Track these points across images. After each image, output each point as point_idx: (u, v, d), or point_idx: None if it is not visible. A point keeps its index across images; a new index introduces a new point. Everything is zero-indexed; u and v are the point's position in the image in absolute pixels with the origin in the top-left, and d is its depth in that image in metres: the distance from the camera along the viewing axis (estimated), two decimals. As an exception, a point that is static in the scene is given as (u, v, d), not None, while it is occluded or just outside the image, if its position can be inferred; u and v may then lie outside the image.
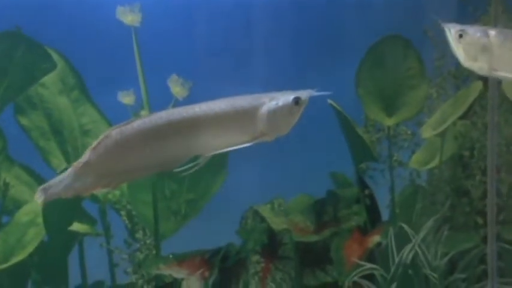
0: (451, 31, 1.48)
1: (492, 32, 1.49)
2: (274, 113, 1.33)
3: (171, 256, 2.32)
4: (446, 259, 2.50)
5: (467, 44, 1.48)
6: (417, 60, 2.62)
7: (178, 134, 1.31)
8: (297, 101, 1.34)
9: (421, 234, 2.50)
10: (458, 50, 1.48)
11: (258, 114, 1.33)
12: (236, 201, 2.55)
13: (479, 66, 1.50)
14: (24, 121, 2.37)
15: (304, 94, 1.35)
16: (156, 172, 1.48)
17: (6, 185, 2.22)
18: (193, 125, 1.31)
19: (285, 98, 1.34)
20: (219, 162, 2.43)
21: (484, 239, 2.56)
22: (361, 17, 2.84)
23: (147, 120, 1.31)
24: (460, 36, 1.47)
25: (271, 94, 1.36)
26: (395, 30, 2.62)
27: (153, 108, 2.32)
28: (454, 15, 2.90)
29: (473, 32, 1.48)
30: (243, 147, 1.33)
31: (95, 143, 1.29)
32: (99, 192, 2.32)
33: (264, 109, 1.33)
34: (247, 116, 1.33)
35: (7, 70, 2.17)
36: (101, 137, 1.29)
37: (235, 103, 1.34)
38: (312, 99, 2.06)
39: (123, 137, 1.30)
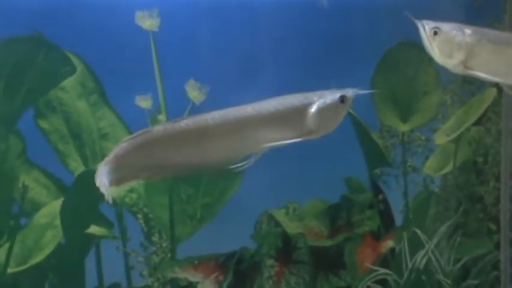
0: (426, 28, 1.47)
1: (468, 30, 1.47)
2: (322, 111, 1.36)
3: (196, 262, 2.33)
4: (459, 265, 2.50)
5: (442, 41, 1.46)
6: (431, 66, 2.63)
7: (232, 133, 1.34)
8: (342, 99, 1.38)
9: (435, 240, 2.51)
10: (433, 47, 1.46)
11: (308, 112, 1.36)
12: (251, 206, 2.56)
13: (453, 63, 1.47)
14: (43, 124, 2.39)
15: (349, 92, 1.39)
16: (207, 171, 1.52)
17: (25, 187, 2.23)
18: (246, 124, 1.35)
19: (332, 96, 1.38)
20: (235, 166, 2.45)
21: (497, 245, 2.56)
22: (375, 23, 2.85)
23: (196, 119, 1.34)
24: (435, 33, 1.46)
25: (320, 92, 1.40)
26: (409, 35, 2.63)
27: (170, 112, 2.34)
28: (466, 22, 2.91)
29: (449, 29, 1.47)
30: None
31: (133, 135, 1.31)
32: (127, 186, 2.34)
33: (314, 107, 1.37)
34: (297, 113, 1.36)
35: (28, 74, 2.19)
36: (142, 131, 1.31)
37: (286, 101, 1.38)
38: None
39: (165, 135, 1.32)
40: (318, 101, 1.37)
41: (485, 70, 1.48)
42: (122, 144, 1.31)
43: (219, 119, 1.34)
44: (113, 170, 1.30)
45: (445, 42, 1.46)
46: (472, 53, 1.46)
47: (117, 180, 1.33)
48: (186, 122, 1.32)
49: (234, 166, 1.34)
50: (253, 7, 2.70)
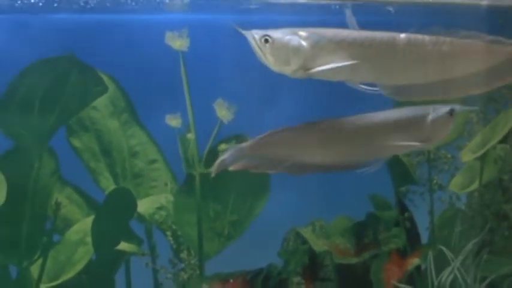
0: (255, 37, 1.44)
1: (303, 33, 1.45)
2: (437, 121, 1.55)
3: (231, 281, 2.35)
4: (485, 283, 2.49)
5: (276, 49, 1.42)
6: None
7: (365, 138, 1.51)
8: (451, 112, 1.56)
9: (460, 258, 2.50)
10: (266, 55, 1.43)
11: (426, 122, 1.54)
12: (278, 223, 2.57)
13: (292, 69, 1.45)
14: (76, 143, 2.43)
15: (456, 107, 1.57)
16: (334, 171, 1.61)
17: (58, 204, 2.27)
18: (378, 130, 1.53)
19: (444, 108, 1.57)
20: (262, 184, 2.47)
21: (524, 264, 2.56)
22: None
23: (334, 123, 1.50)
24: (266, 41, 1.43)
25: (432, 106, 1.58)
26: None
27: (199, 131, 2.37)
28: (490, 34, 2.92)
29: (281, 35, 1.43)
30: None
31: (275, 130, 1.47)
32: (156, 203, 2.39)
33: (431, 117, 1.55)
34: (417, 123, 1.55)
35: (61, 94, 2.23)
36: (283, 127, 1.46)
37: (406, 112, 1.57)
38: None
39: (305, 134, 1.51)
40: (433, 112, 1.55)
41: (328, 70, 1.46)
42: (263, 136, 1.44)
43: (351, 124, 1.49)
44: (242, 156, 1.47)
45: (280, 49, 1.43)
46: (312, 56, 1.45)
47: (241, 165, 1.45)
48: (325, 124, 1.44)
49: (361, 169, 1.45)
50: (278, 25, 2.73)
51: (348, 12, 1.57)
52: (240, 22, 2.63)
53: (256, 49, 1.46)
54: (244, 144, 1.49)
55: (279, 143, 1.51)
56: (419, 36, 1.53)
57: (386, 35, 1.53)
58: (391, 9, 2.61)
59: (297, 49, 1.45)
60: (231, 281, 2.40)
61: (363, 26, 1.64)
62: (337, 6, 2.58)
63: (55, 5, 2.48)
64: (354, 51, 1.47)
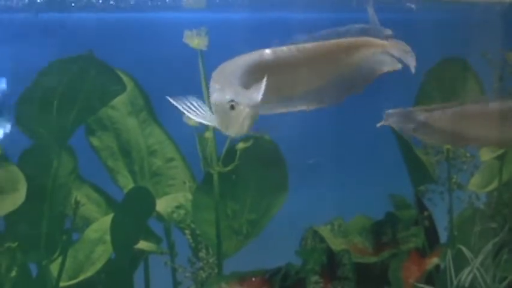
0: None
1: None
2: None
3: (253, 279, 2.35)
4: (505, 283, 2.47)
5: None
6: (476, 82, 2.62)
7: None
8: None
9: (480, 257, 2.48)
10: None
11: None
12: (296, 222, 2.57)
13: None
14: (94, 142, 2.44)
15: None
16: None
17: (77, 203, 2.27)
18: None
19: None
20: (280, 183, 2.47)
21: (544, 263, 2.53)
22: (418, 38, 2.85)
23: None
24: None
25: None
26: (452, 51, 2.64)
27: (217, 130, 2.37)
28: (509, 37, 2.90)
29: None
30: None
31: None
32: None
33: None
34: None
35: (80, 93, 2.23)
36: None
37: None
38: (370, 121, 2.09)
39: None
40: None
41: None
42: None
43: None
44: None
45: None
46: None
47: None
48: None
49: None
50: (295, 23, 2.73)
51: (370, 10, 1.56)
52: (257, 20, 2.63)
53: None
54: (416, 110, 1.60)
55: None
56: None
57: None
58: (412, 6, 2.59)
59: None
60: (251, 280, 2.40)
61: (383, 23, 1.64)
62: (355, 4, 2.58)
63: (72, 4, 2.49)
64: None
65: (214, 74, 1.53)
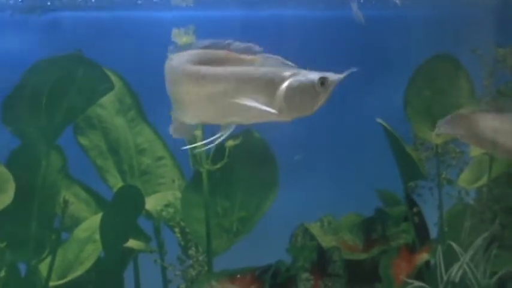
0: None
1: None
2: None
3: (238, 276, 2.35)
4: (495, 278, 2.48)
5: None
6: (466, 79, 2.62)
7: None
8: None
9: (470, 253, 2.49)
10: None
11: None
12: (286, 219, 2.57)
13: None
14: (83, 140, 2.43)
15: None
16: None
17: (65, 202, 2.27)
18: None
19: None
20: (271, 180, 2.47)
21: (534, 258, 2.54)
22: (408, 35, 2.86)
23: None
24: None
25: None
26: (442, 48, 2.64)
27: (207, 128, 2.37)
28: (500, 32, 2.90)
29: None
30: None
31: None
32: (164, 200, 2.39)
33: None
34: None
35: (67, 92, 2.23)
36: None
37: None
38: (360, 118, 2.08)
39: None
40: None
41: None
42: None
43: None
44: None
45: None
46: None
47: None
48: None
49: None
50: (285, 21, 2.72)
51: (354, 7, 1.56)
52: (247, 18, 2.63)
53: None
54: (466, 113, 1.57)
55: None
56: None
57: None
58: (397, 1, 2.59)
59: None
60: (241, 277, 2.40)
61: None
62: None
63: (48, 3, 2.48)
64: None
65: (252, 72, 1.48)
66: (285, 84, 1.39)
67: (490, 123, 1.73)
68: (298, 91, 1.38)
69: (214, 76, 1.45)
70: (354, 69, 1.41)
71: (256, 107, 1.36)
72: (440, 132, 1.78)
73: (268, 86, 1.39)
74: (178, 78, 1.47)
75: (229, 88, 1.41)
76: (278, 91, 1.39)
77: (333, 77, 1.40)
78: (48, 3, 2.44)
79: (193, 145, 1.47)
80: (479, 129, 1.74)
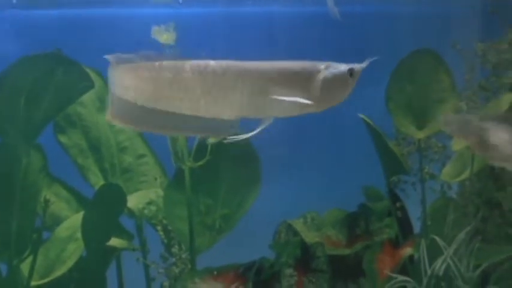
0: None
1: None
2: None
3: (215, 273, 2.35)
4: (478, 271, 2.49)
5: None
6: (447, 73, 2.63)
7: None
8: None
9: (453, 246, 2.49)
10: None
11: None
12: (269, 216, 2.57)
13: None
14: (63, 139, 2.42)
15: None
16: None
17: (46, 201, 2.26)
18: None
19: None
20: (253, 177, 2.47)
21: (517, 251, 2.55)
22: (390, 31, 2.86)
23: None
24: None
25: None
26: (424, 43, 2.64)
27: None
28: (481, 28, 2.91)
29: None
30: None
31: None
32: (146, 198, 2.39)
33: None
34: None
35: (47, 90, 2.21)
36: None
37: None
38: (342, 114, 2.08)
39: None
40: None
41: None
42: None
43: None
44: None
45: None
46: None
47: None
48: None
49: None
50: (268, 17, 2.72)
51: (330, 2, 1.57)
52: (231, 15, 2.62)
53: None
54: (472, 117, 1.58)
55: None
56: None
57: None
58: None
59: None
60: (225, 274, 2.40)
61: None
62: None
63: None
64: None
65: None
66: (321, 76, 1.43)
67: (503, 136, 1.70)
68: (333, 82, 1.44)
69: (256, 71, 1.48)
70: (374, 58, 1.48)
71: (296, 101, 1.40)
72: (446, 130, 1.77)
73: (304, 79, 1.42)
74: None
75: (268, 83, 1.45)
76: (314, 83, 1.43)
77: (358, 66, 1.47)
78: None
79: (236, 137, 1.48)
80: (490, 140, 1.71)
